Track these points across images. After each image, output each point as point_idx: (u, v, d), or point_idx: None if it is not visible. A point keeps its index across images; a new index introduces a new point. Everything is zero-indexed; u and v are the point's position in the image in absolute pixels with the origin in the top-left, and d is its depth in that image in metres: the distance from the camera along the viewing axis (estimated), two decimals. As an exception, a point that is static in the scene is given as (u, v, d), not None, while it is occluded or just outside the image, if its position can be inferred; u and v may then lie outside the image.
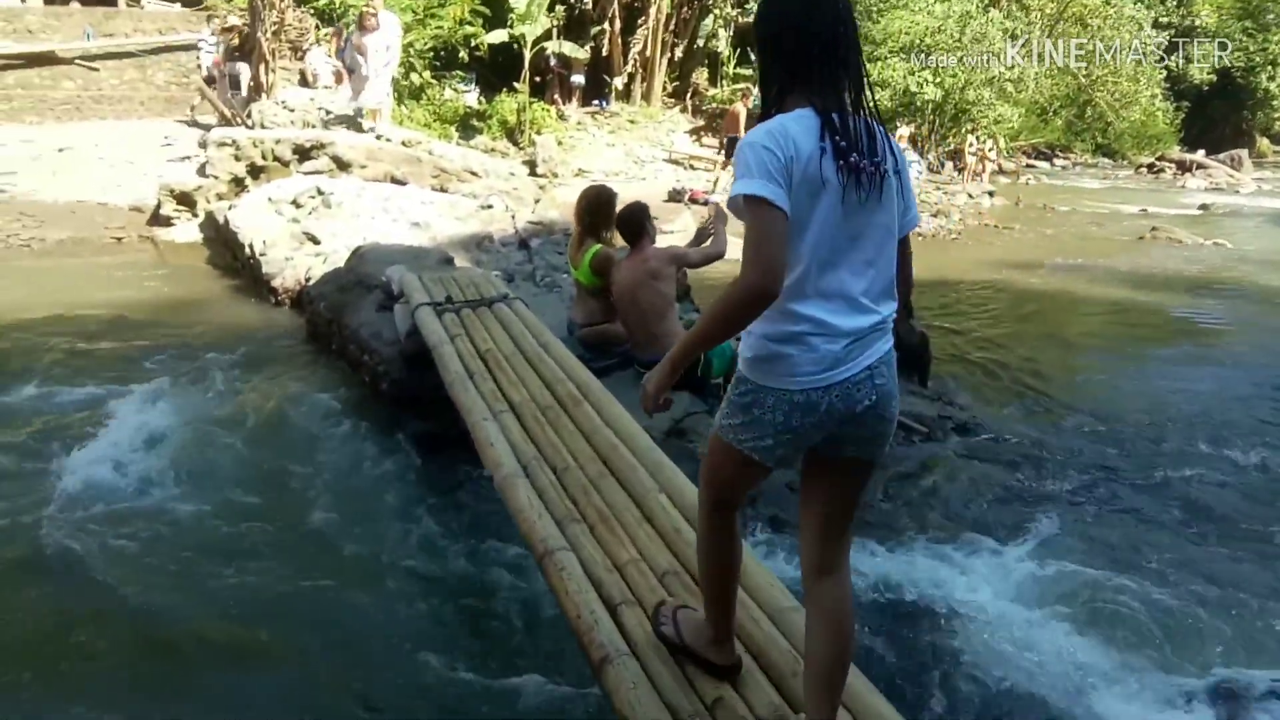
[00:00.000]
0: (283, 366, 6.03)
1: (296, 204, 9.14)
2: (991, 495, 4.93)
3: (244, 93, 15.03)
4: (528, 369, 3.89)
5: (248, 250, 8.16)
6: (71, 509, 4.10)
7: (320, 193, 9.06)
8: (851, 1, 1.96)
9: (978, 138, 23.30)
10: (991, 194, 20.74)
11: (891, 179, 1.87)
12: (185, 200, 11.08)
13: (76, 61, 17.36)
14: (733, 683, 2.08)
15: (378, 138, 11.92)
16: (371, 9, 11.77)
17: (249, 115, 13.47)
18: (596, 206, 5.46)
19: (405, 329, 4.71)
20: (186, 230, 10.58)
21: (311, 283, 7.11)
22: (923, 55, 22.99)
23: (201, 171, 11.64)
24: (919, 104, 22.84)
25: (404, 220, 8.39)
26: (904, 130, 22.32)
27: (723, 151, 16.97)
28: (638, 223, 5.09)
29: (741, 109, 16.50)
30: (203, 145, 12.53)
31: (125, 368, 6.10)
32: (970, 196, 19.80)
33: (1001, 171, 25.57)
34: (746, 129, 15.98)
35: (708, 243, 5.10)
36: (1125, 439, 5.97)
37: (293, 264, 7.61)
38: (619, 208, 5.38)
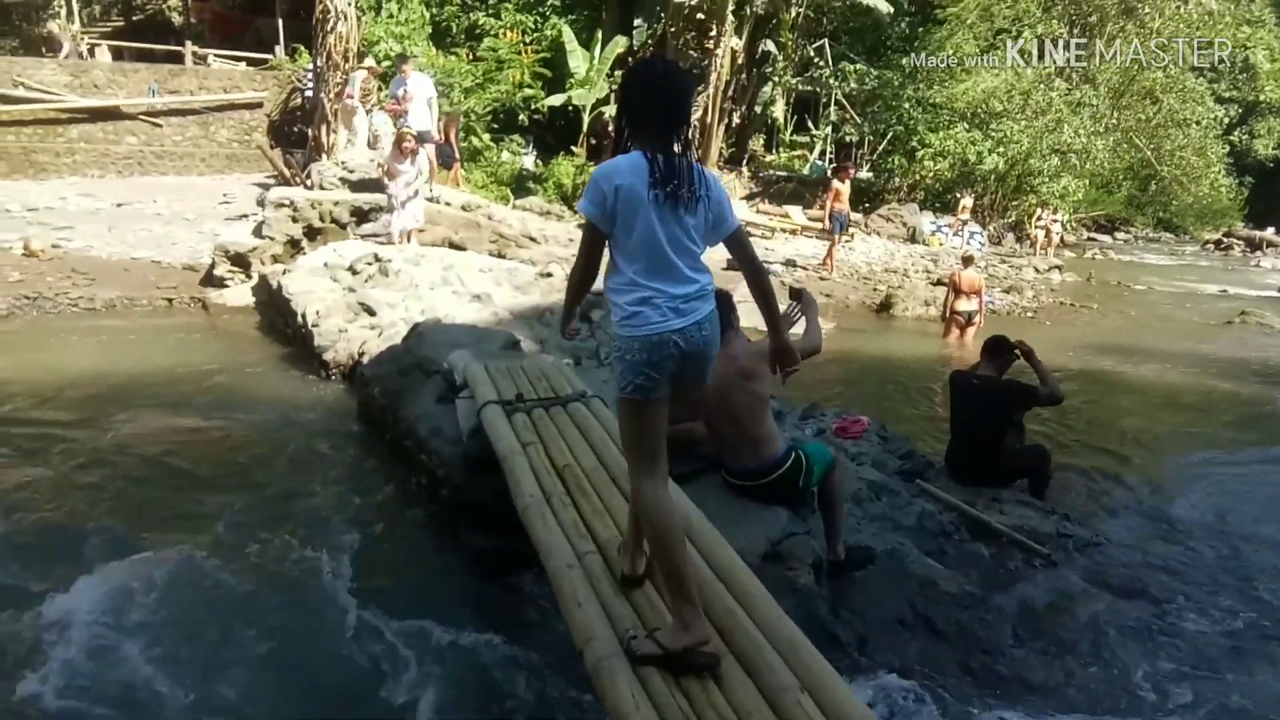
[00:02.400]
0: (329, 455, 5.55)
1: (353, 270, 8.79)
2: (1131, 642, 4.27)
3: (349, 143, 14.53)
4: (613, 491, 3.35)
5: (300, 319, 7.79)
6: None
7: (377, 259, 8.71)
8: (685, 81, 2.78)
9: (1046, 209, 22.62)
10: (1060, 269, 20.02)
11: (704, 199, 2.68)
12: (239, 261, 10.82)
13: (140, 117, 17.53)
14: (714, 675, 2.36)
15: (435, 201, 11.64)
16: (410, 139, 10.65)
17: (308, 176, 13.31)
18: None
19: (469, 427, 4.20)
20: (239, 293, 10.29)
21: (366, 359, 6.68)
22: (984, 124, 22.55)
23: (258, 232, 11.41)
24: (979, 174, 22.31)
25: (464, 292, 7.98)
26: (966, 201, 21.79)
27: (826, 225, 16.44)
28: (721, 315, 4.55)
29: (842, 185, 15.90)
30: (260, 204, 12.36)
31: (154, 450, 5.68)
32: (1038, 271, 19.11)
33: (1065, 245, 24.87)
34: (850, 203, 15.74)
35: (796, 326, 4.54)
36: (1265, 565, 5.28)
37: (346, 337, 7.20)
38: None
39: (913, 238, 21.09)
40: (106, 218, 13.37)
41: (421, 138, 11.55)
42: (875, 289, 15.18)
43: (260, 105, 18.49)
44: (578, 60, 20.20)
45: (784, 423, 6.53)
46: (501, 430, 3.76)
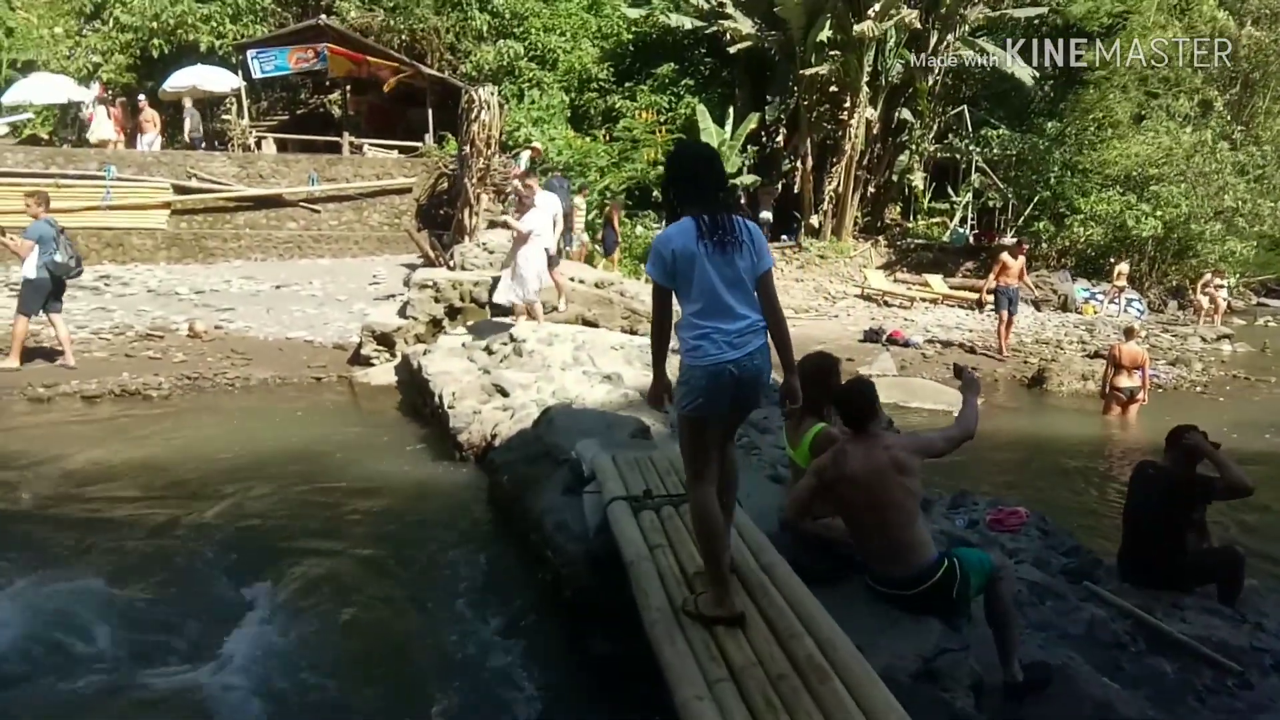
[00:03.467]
0: (453, 543, 5.50)
1: (489, 350, 8.92)
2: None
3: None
4: (750, 608, 3.10)
5: (437, 399, 7.91)
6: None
7: (512, 339, 8.81)
8: (714, 154, 3.52)
9: (1212, 272, 21.08)
10: (1230, 338, 18.51)
11: (748, 243, 3.27)
12: (385, 341, 11.21)
13: (301, 204, 18.68)
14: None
15: (570, 279, 11.78)
16: (527, 185, 10.19)
17: (451, 256, 13.77)
18: (817, 378, 4.67)
19: (595, 523, 4.05)
20: (384, 372, 10.62)
21: (498, 441, 6.67)
22: (1140, 188, 21.39)
23: (403, 312, 11.83)
24: (1136, 238, 21.07)
25: (595, 372, 7.93)
26: (1122, 267, 20.60)
27: (983, 297, 15.53)
28: (868, 402, 4.25)
29: (1012, 260, 14.55)
30: (406, 284, 12.84)
31: (280, 528, 5.84)
32: (1205, 341, 17.72)
33: (1232, 311, 23.07)
34: (1019, 278, 14.64)
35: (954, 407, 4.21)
36: None
37: (480, 418, 7.25)
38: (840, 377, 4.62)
39: (1064, 306, 20.03)
40: (265, 300, 14.17)
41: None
42: (1026, 361, 14.40)
43: (409, 190, 19.42)
44: (710, 137, 20.39)
45: (930, 512, 6.10)
46: (628, 531, 3.58)
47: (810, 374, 4.72)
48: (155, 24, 21.14)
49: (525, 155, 16.84)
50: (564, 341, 8.76)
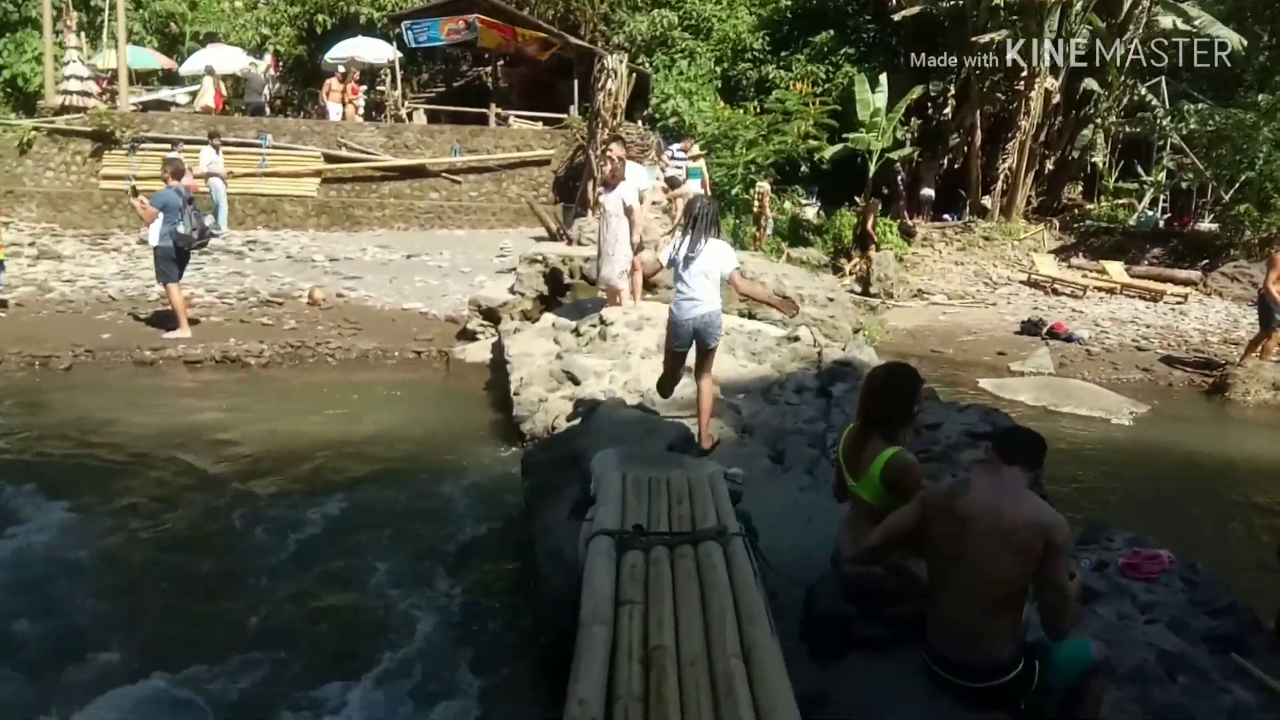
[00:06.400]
0: (475, 554, 5.00)
1: (577, 332, 8.37)
2: None
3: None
4: (707, 701, 2.37)
5: (511, 384, 7.43)
6: None
7: (601, 322, 8.22)
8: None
9: None
10: None
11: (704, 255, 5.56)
12: (490, 316, 10.88)
13: (443, 174, 18.78)
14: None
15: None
16: (613, 155, 8.82)
17: (572, 231, 13.36)
18: (890, 392, 3.78)
19: (584, 559, 3.39)
20: (481, 349, 10.32)
21: (556, 433, 6.10)
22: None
23: (514, 288, 11.48)
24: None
25: (681, 363, 7.23)
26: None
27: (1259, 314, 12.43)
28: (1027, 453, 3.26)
29: None
30: (523, 259, 12.50)
31: (288, 508, 5.62)
32: None
33: None
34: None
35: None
36: None
37: (545, 407, 6.71)
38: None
39: (1266, 302, 17.56)
40: (394, 269, 14.21)
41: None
42: (1178, 359, 12.68)
43: (548, 162, 19.17)
44: (864, 108, 19.05)
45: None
46: (596, 579, 2.89)
47: (881, 386, 3.84)
48: (320, -1, 21.80)
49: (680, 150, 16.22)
50: (656, 326, 8.07)
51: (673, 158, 16.89)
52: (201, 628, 4.26)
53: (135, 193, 10.97)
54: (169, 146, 16.56)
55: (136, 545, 5.12)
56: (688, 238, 5.60)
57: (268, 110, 20.61)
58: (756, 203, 18.05)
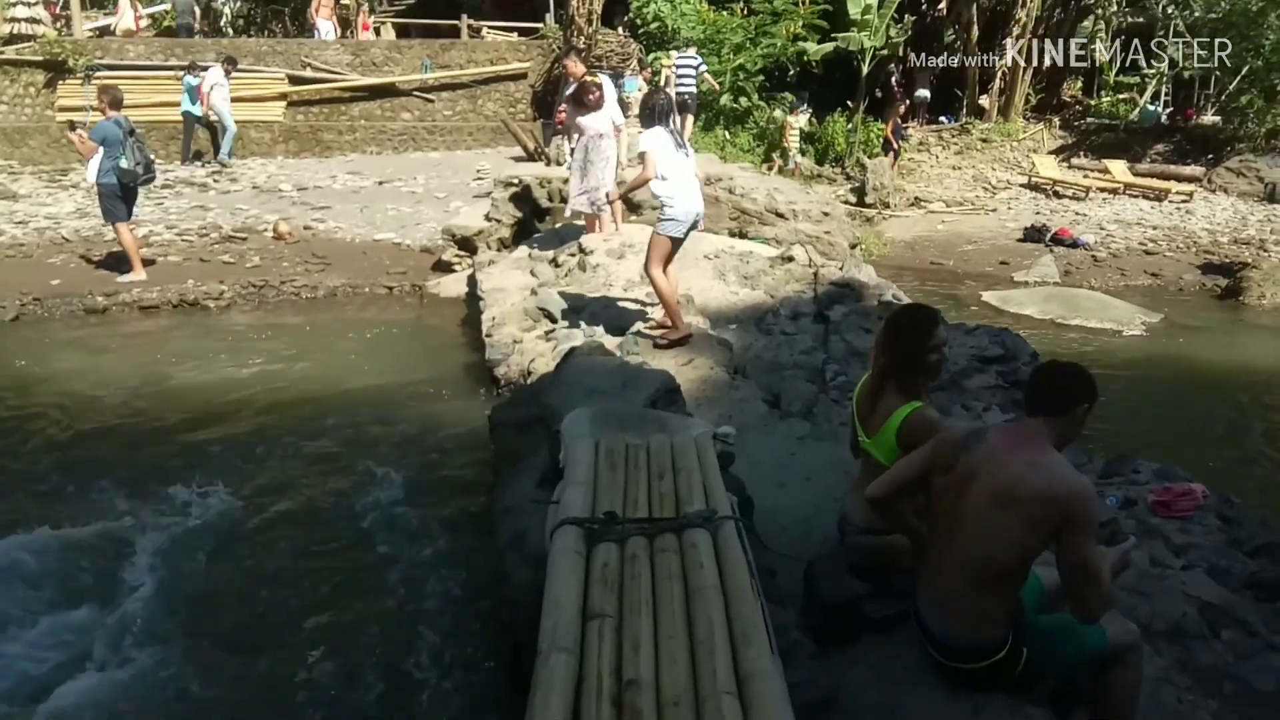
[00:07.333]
0: (437, 523, 4.51)
1: (555, 262, 7.79)
2: None
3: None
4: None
5: (484, 324, 6.88)
6: None
7: (581, 250, 7.64)
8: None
9: None
10: None
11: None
12: (466, 245, 10.26)
13: (414, 93, 17.82)
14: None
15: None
16: (592, 78, 8.09)
17: (550, 150, 12.62)
18: (906, 336, 3.25)
19: (549, 551, 2.91)
20: (457, 282, 9.71)
21: (532, 380, 5.58)
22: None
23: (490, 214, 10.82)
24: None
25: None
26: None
27: None
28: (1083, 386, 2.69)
29: None
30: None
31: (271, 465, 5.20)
32: None
33: None
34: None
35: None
36: None
37: (520, 349, 6.17)
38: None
39: (1272, 196, 16.83)
40: (365, 197, 13.48)
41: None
42: (1219, 266, 12.10)
43: (524, 76, 18.20)
44: (858, 5, 18.01)
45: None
46: (558, 587, 2.40)
47: (901, 329, 3.30)
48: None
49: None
50: (638, 253, 7.48)
51: (679, 70, 15.94)
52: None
53: (73, 126, 10.22)
54: (186, 69, 15.55)
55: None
56: (670, 127, 5.84)
57: (197, 30, 19.42)
58: (780, 135, 17.45)
